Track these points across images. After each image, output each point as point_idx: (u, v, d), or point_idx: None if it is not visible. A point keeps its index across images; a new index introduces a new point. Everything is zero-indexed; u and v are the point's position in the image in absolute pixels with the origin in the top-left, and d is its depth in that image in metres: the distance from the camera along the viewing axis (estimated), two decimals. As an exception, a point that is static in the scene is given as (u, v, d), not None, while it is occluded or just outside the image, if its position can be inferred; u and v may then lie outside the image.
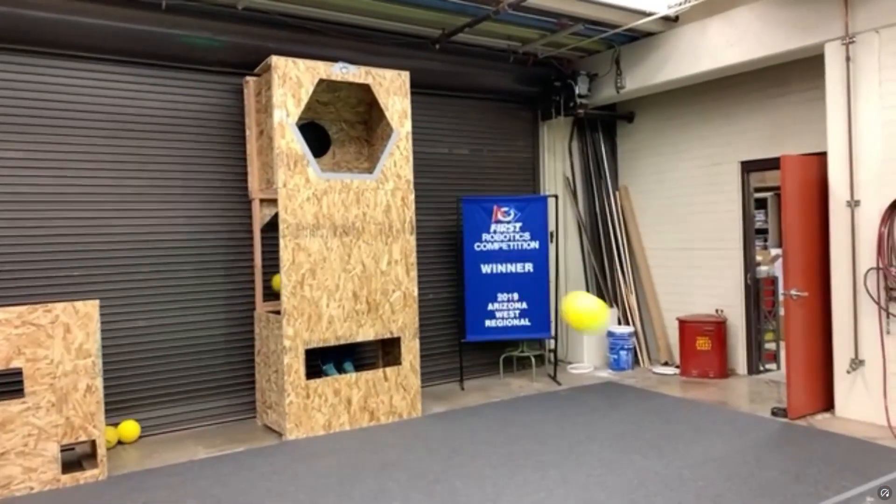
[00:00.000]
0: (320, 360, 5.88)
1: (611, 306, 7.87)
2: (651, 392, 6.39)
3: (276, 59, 5.15)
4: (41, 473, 4.28)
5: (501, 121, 7.54)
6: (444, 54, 6.62)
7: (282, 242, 5.17)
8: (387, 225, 5.65)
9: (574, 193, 8.00)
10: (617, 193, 8.02)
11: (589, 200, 8.10)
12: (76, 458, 4.73)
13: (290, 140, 5.20)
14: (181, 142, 5.62)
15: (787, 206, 5.34)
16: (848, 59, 5.23)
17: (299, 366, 5.22)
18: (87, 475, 4.43)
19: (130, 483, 4.39)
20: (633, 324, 7.67)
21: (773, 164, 6.18)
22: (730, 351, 7.01)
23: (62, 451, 4.46)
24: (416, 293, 5.82)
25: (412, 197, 5.78)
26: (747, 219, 6.93)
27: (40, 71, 5.07)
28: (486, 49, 6.99)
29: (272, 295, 5.80)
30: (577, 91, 7.21)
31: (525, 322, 6.85)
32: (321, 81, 5.47)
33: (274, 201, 5.53)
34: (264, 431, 5.52)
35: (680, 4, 5.99)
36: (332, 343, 5.41)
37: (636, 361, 7.57)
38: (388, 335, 5.69)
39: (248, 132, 5.76)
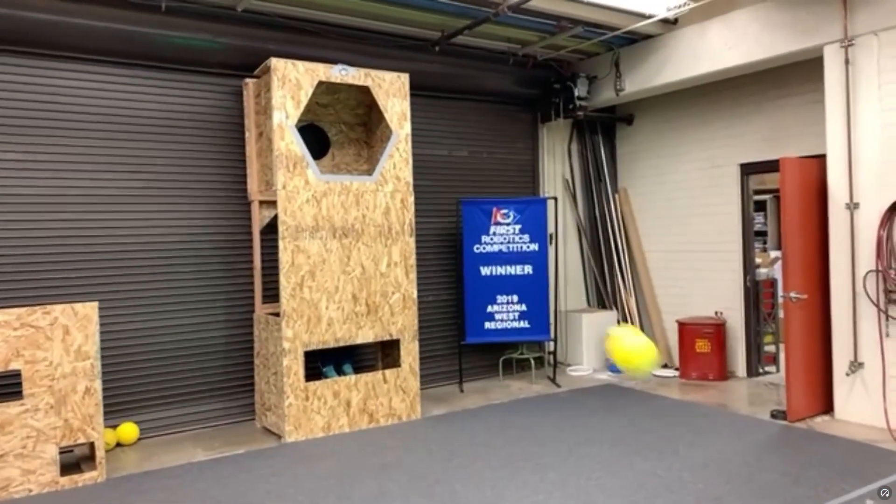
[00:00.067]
0: (320, 362, 5.88)
1: (610, 308, 7.88)
2: (650, 394, 6.39)
3: (275, 61, 5.15)
4: (40, 475, 4.27)
5: (501, 123, 7.54)
6: (443, 56, 6.63)
7: (281, 244, 5.16)
8: (386, 227, 5.65)
9: (573, 196, 8.01)
10: (616, 196, 8.03)
11: (588, 203, 8.11)
12: (75, 461, 4.72)
13: (289, 142, 5.20)
14: (180, 143, 5.62)
15: (786, 209, 5.35)
16: (847, 61, 5.23)
17: (298, 368, 5.22)
18: (85, 477, 4.42)
19: (129, 485, 4.39)
20: (633, 326, 7.67)
21: (772, 166, 6.18)
22: (729, 353, 7.00)
23: (61, 453, 4.44)
24: (415, 295, 5.82)
25: (412, 199, 5.78)
26: (747, 221, 6.93)
27: (40, 73, 5.07)
28: (485, 51, 7.00)
29: (272, 297, 5.80)
30: (576, 93, 7.22)
31: (524, 324, 6.85)
32: (321, 83, 5.47)
33: (273, 203, 5.53)
34: (263, 433, 5.52)
35: (679, 7, 5.99)
36: (332, 345, 5.41)
37: (636, 364, 7.56)
38: (387, 337, 5.69)
39: (247, 134, 5.76)
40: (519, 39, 6.81)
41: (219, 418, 5.76)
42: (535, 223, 6.84)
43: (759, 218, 11.49)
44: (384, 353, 6.18)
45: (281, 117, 5.16)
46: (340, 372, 5.90)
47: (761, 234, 11.55)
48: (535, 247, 6.84)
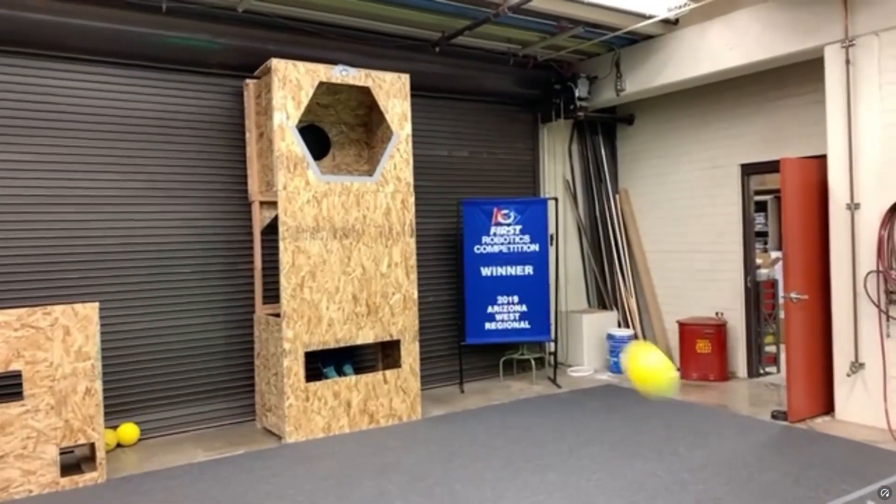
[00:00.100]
0: (320, 363, 5.88)
1: (611, 309, 7.87)
2: (651, 395, 6.38)
3: (275, 62, 5.15)
4: (40, 476, 4.28)
5: (501, 123, 7.54)
6: (444, 57, 6.63)
7: (281, 245, 5.17)
8: (387, 227, 5.65)
9: (574, 196, 8.01)
10: (617, 196, 8.02)
11: (589, 203, 8.11)
12: (75, 461, 4.72)
13: (289, 142, 5.20)
14: (181, 144, 5.62)
15: (786, 209, 5.34)
16: (848, 62, 5.23)
17: (299, 368, 5.22)
18: (86, 478, 4.43)
19: (129, 486, 4.39)
20: (633, 327, 7.67)
21: (772, 167, 6.18)
22: (730, 354, 7.00)
23: (61, 453, 4.44)
24: (415, 296, 5.82)
25: (412, 199, 5.78)
26: (747, 221, 6.93)
27: (40, 73, 5.07)
28: (485, 52, 7.00)
29: (272, 297, 5.80)
30: (576, 94, 7.22)
31: (525, 325, 6.85)
32: (321, 84, 5.47)
33: (274, 204, 5.53)
34: (264, 434, 5.52)
35: (680, 7, 5.99)
36: (332, 346, 5.41)
37: (636, 364, 7.55)
38: (387, 338, 5.69)
39: (247, 135, 5.76)
40: (519, 40, 6.81)
41: (219, 419, 5.76)
42: (535, 224, 6.84)
43: (759, 218, 11.48)
44: (384, 354, 6.18)
45: (281, 118, 5.16)
46: (341, 372, 5.90)
47: (762, 234, 11.55)
48: (535, 247, 6.83)
